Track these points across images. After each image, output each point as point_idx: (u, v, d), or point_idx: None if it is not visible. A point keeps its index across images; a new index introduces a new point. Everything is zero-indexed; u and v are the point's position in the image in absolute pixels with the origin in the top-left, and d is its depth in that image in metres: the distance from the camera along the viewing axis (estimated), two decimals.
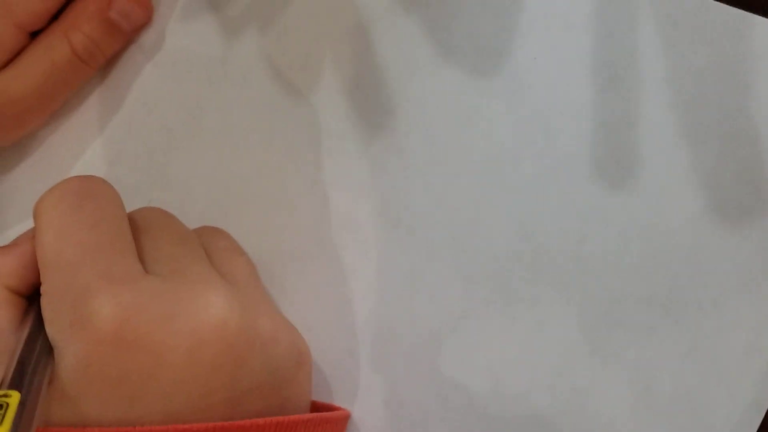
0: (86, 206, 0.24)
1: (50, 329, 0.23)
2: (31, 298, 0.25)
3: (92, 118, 0.33)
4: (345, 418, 0.29)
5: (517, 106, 0.29)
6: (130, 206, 0.28)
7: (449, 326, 0.29)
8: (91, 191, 0.25)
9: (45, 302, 0.23)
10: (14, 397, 0.20)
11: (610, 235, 0.28)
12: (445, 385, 0.29)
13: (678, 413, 0.27)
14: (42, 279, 0.24)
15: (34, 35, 0.30)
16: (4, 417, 0.19)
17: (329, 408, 0.29)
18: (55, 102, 0.31)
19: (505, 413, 0.28)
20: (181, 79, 0.32)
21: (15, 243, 0.25)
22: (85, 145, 0.33)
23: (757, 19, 0.27)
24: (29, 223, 0.27)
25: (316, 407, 0.29)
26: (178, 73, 0.32)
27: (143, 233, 0.26)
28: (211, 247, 0.28)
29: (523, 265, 0.28)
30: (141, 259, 0.25)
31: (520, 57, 0.29)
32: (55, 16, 0.31)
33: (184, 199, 0.32)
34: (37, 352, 0.23)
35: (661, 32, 0.28)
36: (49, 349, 0.23)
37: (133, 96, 0.32)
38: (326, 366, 0.30)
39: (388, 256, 0.29)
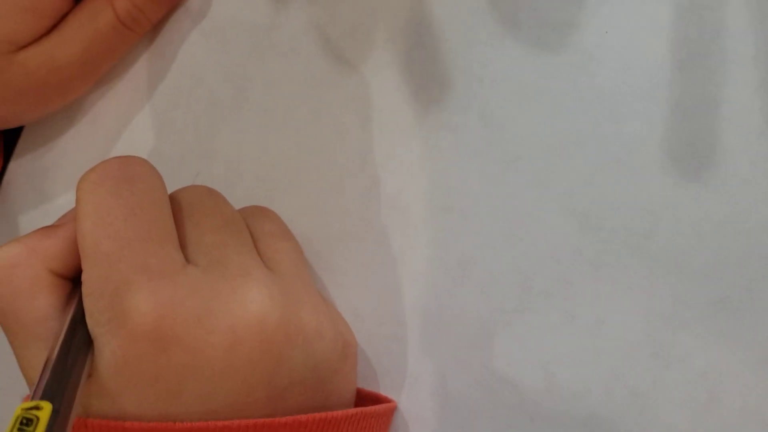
0: (124, 192, 0.24)
1: (90, 321, 0.23)
2: (75, 280, 0.25)
3: (139, 87, 0.32)
4: (391, 411, 0.28)
5: (583, 85, 0.27)
6: (176, 178, 0.28)
7: (502, 319, 0.27)
8: (131, 175, 0.24)
9: (85, 291, 0.23)
10: (45, 410, 0.19)
11: (681, 231, 0.26)
12: (495, 380, 0.27)
13: (744, 428, 0.25)
14: (82, 267, 0.23)
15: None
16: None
17: (375, 397, 0.28)
18: (99, 69, 0.31)
19: (556, 413, 0.27)
20: (228, 48, 0.31)
21: (59, 224, 0.25)
22: (131, 114, 0.33)
23: None
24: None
25: (361, 395, 0.29)
26: (225, 42, 0.31)
27: (186, 218, 0.26)
28: (257, 230, 0.27)
29: (585, 259, 0.26)
30: (183, 246, 0.25)
31: (589, 30, 0.27)
32: None
33: (229, 174, 0.31)
34: (77, 344, 0.22)
35: (750, 4, 0.25)
36: (89, 341, 0.23)
37: (180, 65, 0.32)
38: (373, 352, 0.29)
39: (439, 241, 0.28)
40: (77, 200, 0.24)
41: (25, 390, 0.33)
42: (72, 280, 0.25)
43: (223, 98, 0.31)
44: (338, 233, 0.29)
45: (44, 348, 0.23)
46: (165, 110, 0.32)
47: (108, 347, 0.22)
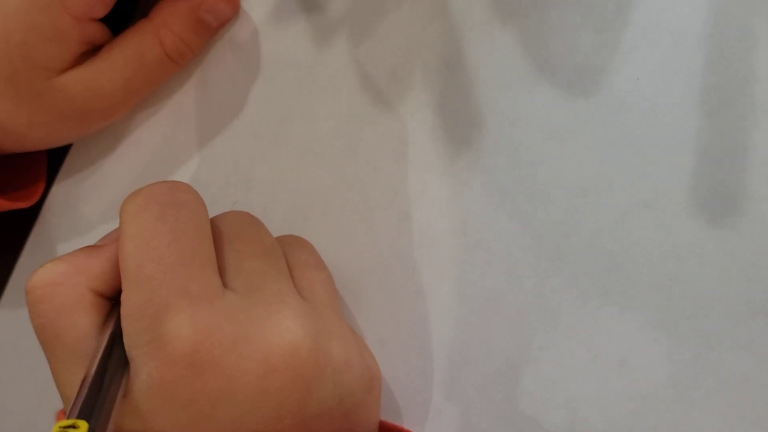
0: (169, 218, 0.25)
1: (127, 342, 0.24)
2: (114, 300, 0.26)
3: (182, 116, 0.34)
4: None
5: (613, 130, 0.28)
6: (214, 206, 0.29)
7: (528, 357, 0.28)
8: (176, 200, 0.25)
9: (124, 313, 0.24)
10: (81, 429, 0.20)
11: (706, 275, 0.26)
12: (519, 417, 0.28)
13: None
14: (123, 288, 0.24)
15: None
16: None
17: (398, 430, 0.29)
18: (140, 95, 0.33)
19: None
20: (270, 82, 0.32)
21: (102, 244, 0.26)
22: (173, 142, 0.34)
23: None
24: (116, 219, 0.28)
25: (384, 428, 0.29)
26: (268, 76, 0.32)
27: (227, 243, 0.27)
28: (293, 259, 0.29)
29: (610, 300, 0.27)
30: (222, 270, 0.26)
31: (621, 76, 0.28)
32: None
33: (266, 203, 0.32)
34: (114, 364, 0.23)
35: None
36: (125, 361, 0.24)
37: (223, 97, 0.33)
38: (397, 385, 0.30)
39: (467, 277, 0.29)
40: (121, 222, 0.25)
41: (58, 405, 0.35)
42: (111, 300, 0.26)
43: (263, 130, 0.32)
44: (368, 265, 0.30)
45: (81, 366, 0.24)
46: (206, 139, 0.33)
47: (145, 369, 0.23)
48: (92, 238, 0.35)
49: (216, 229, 0.27)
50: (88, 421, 0.20)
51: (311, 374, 0.24)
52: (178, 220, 0.25)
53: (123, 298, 0.24)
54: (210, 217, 0.27)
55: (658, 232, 0.27)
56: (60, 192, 0.36)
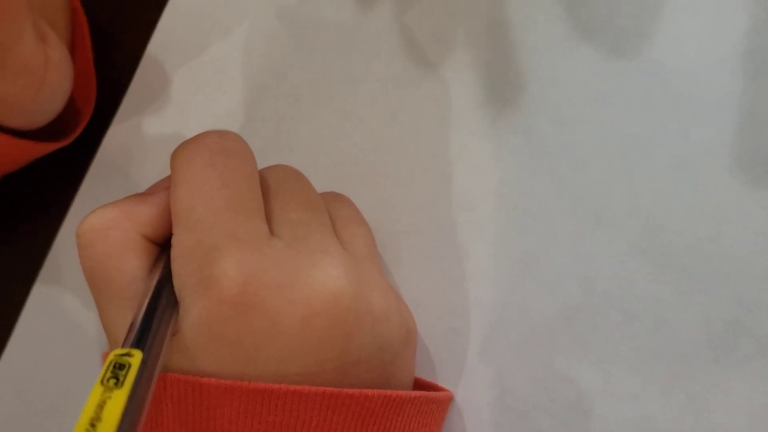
0: (219, 164, 0.26)
1: (177, 283, 0.25)
2: (162, 246, 0.27)
3: (226, 80, 0.35)
4: (449, 400, 0.29)
5: (654, 91, 0.28)
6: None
7: (562, 317, 0.29)
8: (226, 148, 0.26)
9: (174, 255, 0.25)
10: (137, 357, 0.21)
11: (745, 236, 0.27)
12: (553, 378, 0.29)
13: None
14: (173, 232, 0.25)
15: None
16: (125, 378, 0.20)
17: (433, 387, 0.30)
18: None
19: (613, 413, 0.28)
20: (312, 46, 0.33)
21: (152, 191, 0.27)
22: (217, 105, 0.35)
23: None
24: (162, 177, 0.29)
25: (419, 384, 0.30)
26: (310, 41, 0.33)
27: (273, 194, 0.28)
28: (335, 214, 0.30)
29: (647, 261, 0.28)
30: (267, 220, 0.27)
31: (662, 38, 0.28)
32: None
33: (307, 166, 0.33)
34: (163, 304, 0.24)
35: None
36: (174, 302, 0.25)
37: (267, 61, 0.34)
38: (431, 343, 0.30)
39: (504, 238, 0.30)
40: (173, 168, 0.26)
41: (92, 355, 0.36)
42: (159, 246, 0.27)
43: (305, 94, 0.33)
44: (405, 226, 0.31)
45: (130, 308, 0.25)
46: (250, 103, 0.34)
47: (194, 308, 0.24)
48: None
49: (263, 180, 0.28)
50: (140, 346, 0.22)
51: (352, 321, 0.25)
52: (227, 167, 0.26)
53: (174, 240, 0.25)
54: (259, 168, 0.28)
55: (697, 194, 0.27)
56: (108, 151, 0.37)
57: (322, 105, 0.33)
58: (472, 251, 0.30)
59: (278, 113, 0.34)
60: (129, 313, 0.25)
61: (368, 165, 0.32)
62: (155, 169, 0.36)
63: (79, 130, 0.35)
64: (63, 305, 0.38)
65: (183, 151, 0.26)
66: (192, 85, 0.36)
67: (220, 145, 0.26)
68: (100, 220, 0.26)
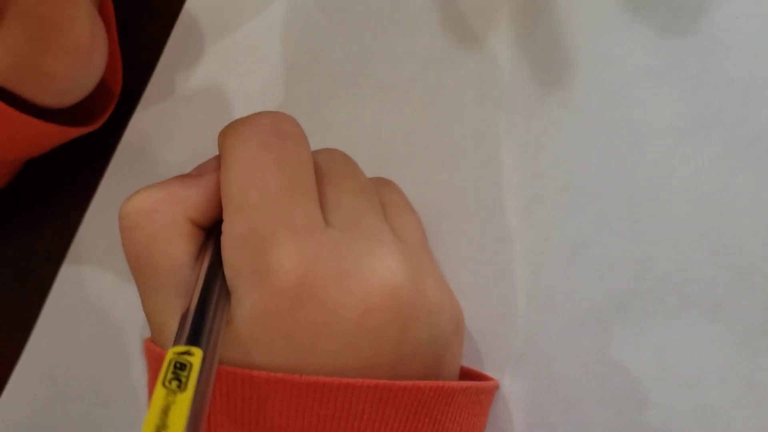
0: (275, 146, 0.24)
1: (229, 272, 0.24)
2: (209, 231, 0.26)
3: (259, 59, 0.34)
4: (495, 389, 0.29)
5: (711, 70, 0.27)
6: None
7: (615, 303, 0.28)
8: (281, 130, 0.25)
9: (226, 242, 0.24)
10: (197, 356, 0.20)
11: None
12: (604, 365, 0.28)
13: None
14: (224, 217, 0.24)
15: None
16: (188, 379, 0.19)
17: (478, 375, 0.29)
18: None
19: (668, 401, 0.27)
20: (350, 24, 0.32)
21: (199, 173, 0.26)
22: (251, 85, 0.34)
23: None
24: (189, 164, 0.28)
25: (465, 373, 0.29)
26: (347, 18, 0.32)
27: (325, 179, 0.27)
28: (385, 199, 0.29)
29: (705, 245, 0.27)
30: (322, 203, 0.26)
31: (719, 15, 0.27)
32: None
33: (344, 148, 0.32)
34: (216, 294, 0.23)
35: None
36: (227, 291, 0.24)
37: (301, 40, 0.33)
38: (477, 331, 0.30)
39: (554, 221, 0.29)
40: (223, 149, 0.25)
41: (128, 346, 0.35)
42: (206, 231, 0.26)
43: (341, 74, 0.32)
44: (449, 209, 0.30)
45: (175, 295, 0.24)
46: (284, 83, 0.33)
47: (248, 298, 0.23)
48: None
49: (314, 163, 0.27)
50: (199, 347, 0.20)
51: (409, 314, 0.24)
52: (283, 149, 0.24)
53: (225, 227, 0.24)
54: None
55: (758, 176, 0.27)
56: (134, 133, 0.36)
57: (359, 85, 0.32)
58: (519, 235, 0.29)
59: (313, 94, 0.33)
60: (175, 301, 0.24)
61: (408, 146, 0.31)
62: (183, 152, 0.35)
63: (107, 114, 0.34)
64: (90, 288, 0.37)
65: (234, 131, 0.25)
66: (221, 66, 0.35)
67: (274, 127, 0.25)
68: (145, 202, 0.24)
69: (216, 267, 0.24)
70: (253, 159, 0.24)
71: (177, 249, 0.24)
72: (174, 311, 0.24)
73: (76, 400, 0.37)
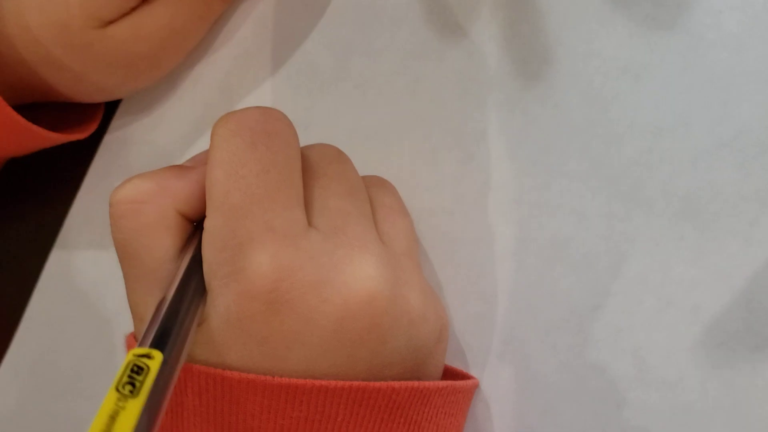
0: (260, 146, 0.24)
1: (206, 271, 0.24)
2: (197, 223, 0.26)
3: (240, 53, 0.34)
4: (474, 387, 0.29)
5: (693, 66, 0.27)
6: None
7: (593, 303, 0.28)
8: (268, 129, 0.25)
9: (206, 240, 0.24)
10: (156, 360, 0.20)
11: None
12: (581, 365, 0.28)
13: None
14: (206, 215, 0.24)
15: None
16: (142, 385, 0.19)
17: (458, 373, 0.29)
18: (188, 39, 0.32)
19: (645, 402, 0.27)
20: (329, 17, 0.32)
21: (192, 165, 0.26)
22: (231, 80, 0.34)
23: None
24: (177, 153, 0.28)
25: (446, 371, 0.29)
26: (326, 10, 0.32)
27: (314, 178, 0.26)
28: (377, 201, 0.28)
29: (685, 244, 0.27)
30: (308, 204, 0.25)
31: (702, 9, 0.27)
32: None
33: (324, 141, 0.32)
34: (191, 293, 0.23)
35: None
36: (203, 289, 0.24)
37: (281, 34, 0.33)
38: (457, 329, 0.30)
39: (533, 220, 0.29)
40: (212, 146, 0.25)
41: (113, 340, 0.35)
42: (194, 223, 0.26)
43: (322, 67, 0.32)
44: (429, 207, 0.30)
45: (157, 287, 0.24)
46: (264, 77, 0.33)
47: (223, 300, 0.23)
48: None
49: (304, 160, 0.26)
50: (162, 350, 0.20)
51: (388, 324, 0.24)
52: (270, 149, 0.24)
53: (206, 224, 0.24)
54: None
55: (738, 174, 0.26)
56: (119, 127, 0.36)
57: (339, 79, 0.32)
58: (498, 233, 0.29)
59: (293, 88, 0.33)
60: (156, 292, 0.24)
61: (388, 141, 0.31)
62: (169, 141, 0.35)
63: (97, 121, 0.35)
64: (77, 279, 0.37)
65: (223, 127, 0.25)
66: (204, 59, 0.34)
67: (262, 125, 0.25)
68: (134, 192, 0.24)
69: (196, 263, 0.24)
70: (238, 159, 0.24)
71: (162, 243, 0.24)
72: (155, 305, 0.24)
73: (62, 393, 0.37)
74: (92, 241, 0.37)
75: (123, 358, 0.35)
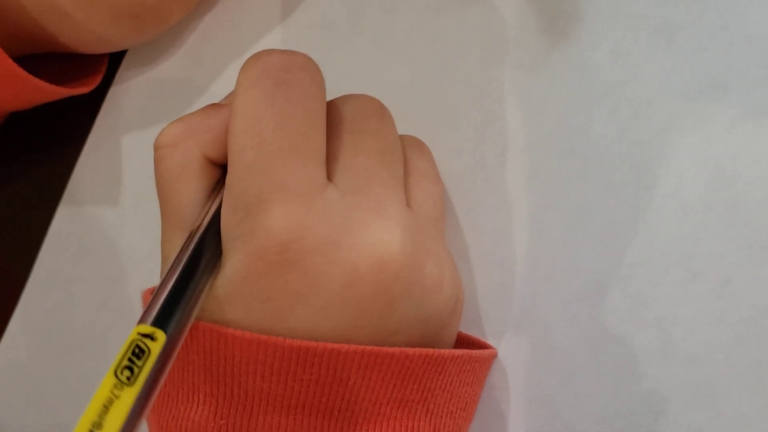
0: (279, 98, 0.23)
1: (223, 231, 0.24)
2: (225, 167, 0.25)
3: (248, 7, 0.32)
4: (492, 358, 0.28)
5: (731, 27, 0.25)
6: None
7: (618, 272, 0.27)
8: (289, 79, 0.24)
9: (226, 196, 0.24)
10: (159, 342, 0.20)
11: None
12: (604, 337, 0.27)
13: None
14: (228, 168, 0.24)
15: None
16: (141, 371, 0.19)
17: (476, 342, 0.28)
18: None
19: (669, 376, 0.26)
20: None
21: (225, 103, 0.26)
22: (240, 35, 0.33)
23: None
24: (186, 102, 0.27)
25: (462, 339, 0.29)
26: None
27: (346, 131, 0.25)
28: (411, 165, 0.27)
29: (715, 214, 0.26)
30: (334, 159, 0.25)
31: None
32: None
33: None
34: (205, 260, 0.23)
35: None
36: (219, 251, 0.24)
37: None
38: (476, 298, 0.29)
39: (555, 186, 0.28)
40: (235, 92, 0.24)
41: (119, 309, 0.35)
42: (223, 168, 0.25)
43: (336, 22, 0.31)
44: (448, 171, 0.29)
45: (181, 230, 0.25)
46: (274, 31, 0.32)
47: (231, 260, 0.23)
48: (153, 134, 0.34)
49: (338, 113, 0.26)
50: (166, 328, 0.20)
51: (398, 291, 0.24)
52: (288, 102, 0.23)
53: (227, 180, 0.24)
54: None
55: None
56: (123, 80, 0.35)
57: (354, 35, 0.31)
58: (521, 200, 0.28)
59: (307, 43, 0.32)
60: (180, 235, 0.25)
61: (406, 102, 0.30)
62: (175, 96, 0.34)
63: (100, 75, 0.34)
64: (87, 232, 0.37)
65: (245, 74, 0.24)
66: (210, 13, 0.33)
67: (283, 74, 0.24)
68: (167, 137, 0.25)
69: (215, 220, 0.24)
70: (255, 112, 0.23)
71: (186, 186, 0.25)
72: (177, 245, 0.24)
73: (71, 351, 0.37)
74: (99, 196, 0.36)
75: (135, 314, 0.35)
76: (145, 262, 0.35)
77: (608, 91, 0.27)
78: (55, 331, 0.37)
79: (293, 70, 0.24)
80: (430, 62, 0.29)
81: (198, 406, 0.24)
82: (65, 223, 0.37)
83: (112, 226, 0.36)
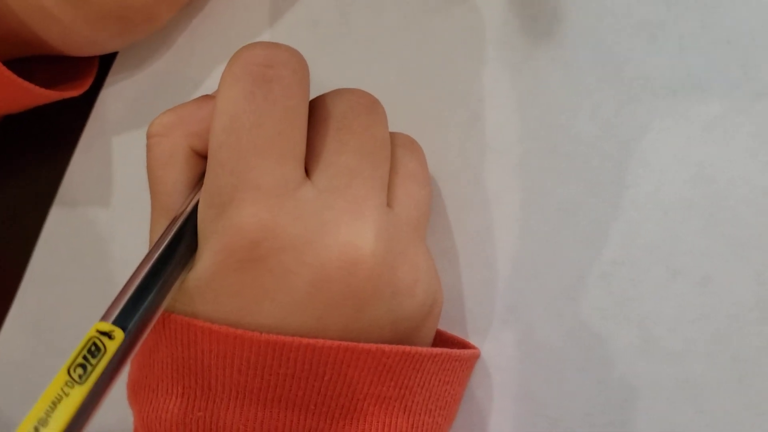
0: (258, 96, 0.24)
1: (199, 227, 0.24)
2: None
3: (238, 6, 0.33)
4: (474, 358, 0.28)
5: (713, 26, 0.26)
6: None
7: (600, 270, 0.27)
8: (268, 75, 0.24)
9: (203, 192, 0.24)
10: (116, 341, 0.20)
11: None
12: (587, 335, 0.27)
13: None
14: (207, 164, 0.24)
15: None
16: (93, 370, 0.19)
17: (459, 342, 0.29)
18: None
19: (651, 374, 0.27)
20: None
21: (215, 94, 0.26)
22: (229, 35, 0.33)
23: None
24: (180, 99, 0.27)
25: (445, 339, 0.29)
26: None
27: (333, 128, 0.25)
28: (399, 164, 0.27)
29: (696, 212, 0.26)
30: (317, 157, 0.25)
31: None
32: None
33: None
34: (179, 251, 0.24)
35: None
36: (194, 246, 0.24)
37: None
38: (460, 296, 0.29)
39: (539, 184, 0.28)
40: (219, 86, 0.24)
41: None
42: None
43: (324, 22, 0.31)
44: (433, 170, 0.30)
45: (164, 217, 0.25)
46: (263, 31, 0.32)
47: (203, 254, 0.24)
48: (144, 136, 0.35)
49: (326, 109, 0.26)
50: (125, 327, 0.21)
51: (367, 293, 0.24)
52: (267, 100, 0.24)
53: (205, 177, 0.24)
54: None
55: (755, 142, 0.25)
56: (114, 83, 0.36)
57: (342, 34, 0.31)
58: (504, 198, 0.29)
59: (293, 41, 0.32)
60: (163, 222, 0.25)
61: (391, 101, 0.30)
62: (166, 97, 0.34)
63: (91, 78, 0.35)
64: (80, 231, 0.37)
65: (228, 71, 0.24)
66: (201, 12, 0.33)
67: (263, 70, 0.24)
68: (157, 126, 0.26)
69: (193, 214, 0.24)
70: (233, 110, 0.24)
71: (170, 176, 0.25)
72: (160, 232, 0.25)
73: (66, 350, 0.37)
74: (91, 197, 0.37)
75: None
76: (137, 261, 0.36)
77: (591, 90, 0.27)
78: (50, 330, 0.38)
79: (276, 65, 0.24)
80: (416, 62, 0.30)
81: (176, 398, 0.24)
82: (58, 224, 0.38)
83: (104, 226, 0.37)
